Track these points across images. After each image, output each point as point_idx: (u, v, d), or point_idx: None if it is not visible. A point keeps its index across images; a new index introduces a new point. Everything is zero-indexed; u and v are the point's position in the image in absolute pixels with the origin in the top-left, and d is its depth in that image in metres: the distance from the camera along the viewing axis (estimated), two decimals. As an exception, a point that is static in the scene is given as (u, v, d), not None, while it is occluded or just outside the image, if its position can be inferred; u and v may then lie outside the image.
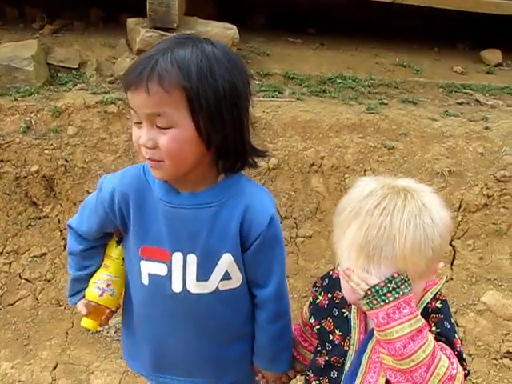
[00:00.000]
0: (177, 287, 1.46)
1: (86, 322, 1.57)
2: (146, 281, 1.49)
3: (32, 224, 3.24)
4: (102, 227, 1.53)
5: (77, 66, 3.75)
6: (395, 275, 1.19)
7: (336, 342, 1.42)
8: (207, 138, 1.31)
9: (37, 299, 3.04)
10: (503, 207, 3.19)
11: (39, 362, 2.72)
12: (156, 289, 1.48)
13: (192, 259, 1.43)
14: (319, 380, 1.45)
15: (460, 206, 3.19)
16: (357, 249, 1.22)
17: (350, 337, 1.38)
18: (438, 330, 1.28)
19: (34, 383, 2.62)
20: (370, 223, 1.20)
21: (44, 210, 3.27)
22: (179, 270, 1.44)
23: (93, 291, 1.55)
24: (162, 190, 1.42)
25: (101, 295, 1.54)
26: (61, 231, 3.23)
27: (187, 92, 1.25)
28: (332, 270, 1.51)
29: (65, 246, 3.20)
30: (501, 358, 2.71)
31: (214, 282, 1.45)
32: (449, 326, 1.31)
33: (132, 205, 1.43)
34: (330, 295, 1.47)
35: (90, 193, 3.15)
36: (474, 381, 2.59)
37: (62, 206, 3.28)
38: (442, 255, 1.30)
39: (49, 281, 3.11)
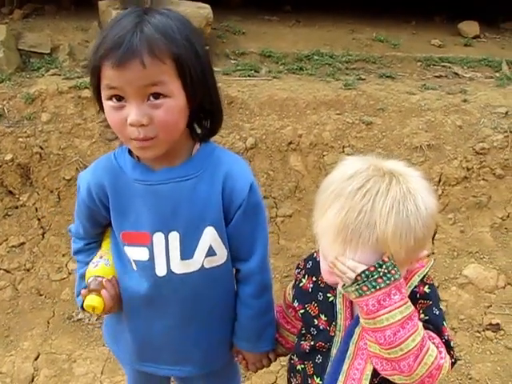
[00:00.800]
0: (161, 270, 1.43)
1: (89, 300, 1.45)
2: (134, 266, 1.46)
3: (9, 213, 3.20)
4: (95, 223, 1.51)
5: (49, 51, 3.69)
6: (385, 259, 1.16)
7: (321, 327, 1.39)
8: (193, 104, 1.31)
9: (16, 289, 3.00)
10: (483, 179, 3.19)
11: (20, 353, 2.69)
12: (142, 274, 1.45)
13: (174, 237, 1.40)
14: (304, 364, 1.43)
15: (440, 180, 3.19)
16: (334, 232, 1.18)
17: (336, 322, 1.35)
18: (426, 318, 1.25)
19: (15, 374, 2.58)
20: (350, 206, 1.16)
21: (21, 198, 3.23)
22: (161, 252, 1.41)
23: (89, 268, 1.51)
24: (136, 171, 1.39)
25: (95, 266, 1.50)
26: (38, 220, 3.20)
27: (176, 59, 1.24)
28: (316, 251, 1.47)
29: (43, 234, 3.17)
30: (483, 331, 2.72)
31: (198, 259, 1.42)
32: (437, 313, 1.28)
33: (109, 193, 1.41)
34: (314, 278, 1.43)
35: (66, 180, 3.19)
36: (458, 354, 2.58)
37: (38, 194, 3.24)
38: (425, 245, 1.25)
39: (28, 270, 3.08)
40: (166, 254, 1.42)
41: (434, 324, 1.25)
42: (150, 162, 1.39)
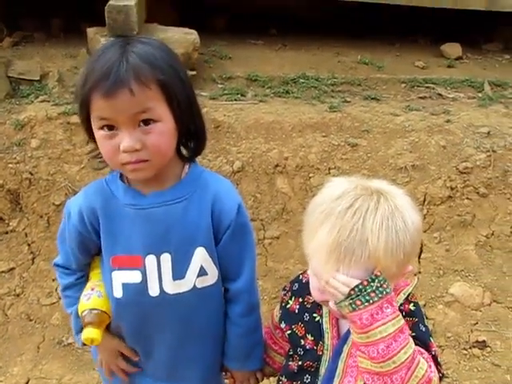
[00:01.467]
0: (154, 291, 1.45)
1: (86, 333, 1.46)
2: (119, 293, 1.48)
3: (-1, 239, 3.21)
4: (86, 251, 1.53)
5: (38, 78, 3.71)
6: (378, 273, 1.19)
7: (308, 347, 1.41)
8: (181, 127, 1.36)
9: (6, 315, 3.01)
10: (467, 198, 3.23)
11: (10, 379, 2.69)
12: (132, 298, 1.47)
13: (166, 258, 1.43)
14: None
15: (425, 200, 3.23)
16: (327, 251, 1.20)
17: (323, 342, 1.37)
18: (413, 334, 1.27)
19: (6, 400, 2.59)
20: (341, 225, 1.19)
21: (10, 224, 3.25)
22: (154, 273, 1.44)
23: (80, 302, 1.52)
24: (127, 196, 1.43)
25: (88, 299, 1.51)
26: (28, 245, 3.21)
27: (162, 85, 1.29)
28: (302, 273, 1.50)
29: (33, 259, 3.18)
30: (470, 348, 2.75)
31: (190, 279, 1.45)
32: (424, 330, 1.31)
33: (100, 216, 1.44)
34: (300, 299, 1.46)
35: (55, 205, 3.21)
36: (445, 371, 2.60)
37: (28, 219, 3.25)
38: (411, 259, 1.30)
39: (18, 295, 3.08)
40: (158, 276, 1.44)
41: (421, 340, 1.28)
42: (140, 187, 1.42)
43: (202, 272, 1.46)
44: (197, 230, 1.43)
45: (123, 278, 1.47)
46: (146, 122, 1.29)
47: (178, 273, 1.45)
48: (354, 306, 1.18)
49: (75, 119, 3.31)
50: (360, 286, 1.18)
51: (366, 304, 1.17)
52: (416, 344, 1.24)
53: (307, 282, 1.39)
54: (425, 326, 1.33)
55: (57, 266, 1.61)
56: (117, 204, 1.43)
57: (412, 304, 1.35)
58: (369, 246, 1.18)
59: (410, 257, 1.25)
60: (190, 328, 1.53)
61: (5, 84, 3.61)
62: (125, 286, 1.47)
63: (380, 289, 1.18)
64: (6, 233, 3.24)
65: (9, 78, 3.68)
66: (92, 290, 1.53)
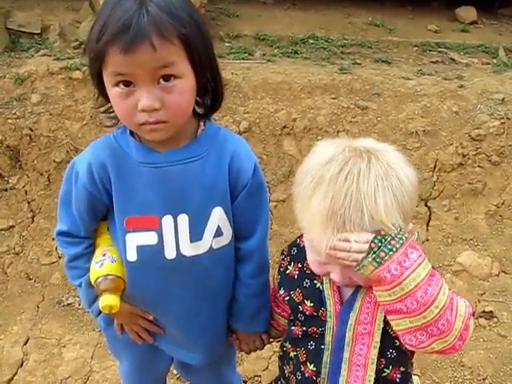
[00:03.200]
0: (170, 253, 1.39)
1: (104, 300, 1.38)
2: (133, 256, 1.40)
3: (-2, 196, 3.15)
4: (95, 214, 1.45)
5: (39, 31, 3.63)
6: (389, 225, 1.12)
7: (307, 313, 1.36)
8: (201, 83, 1.28)
9: (5, 273, 2.96)
10: (478, 166, 3.17)
11: (10, 338, 2.65)
12: (147, 261, 1.40)
13: (183, 219, 1.37)
14: (296, 351, 1.41)
15: (435, 166, 3.16)
16: (323, 220, 1.13)
17: (326, 308, 1.32)
18: None
19: (5, 359, 2.55)
20: (334, 191, 1.12)
21: (10, 181, 3.19)
22: (171, 235, 1.38)
23: (93, 269, 1.44)
24: (140, 153, 1.34)
25: (101, 266, 1.43)
26: (28, 203, 3.15)
27: (184, 39, 1.19)
28: (299, 237, 1.44)
29: (33, 217, 3.12)
30: (476, 318, 2.70)
31: (207, 241, 1.40)
32: None
33: (111, 174, 1.35)
34: (299, 265, 1.40)
35: (56, 162, 3.14)
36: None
37: (28, 176, 3.19)
38: (411, 217, 1.23)
39: (17, 254, 3.04)
40: (175, 237, 1.38)
41: None
42: (153, 144, 1.34)
43: (219, 232, 1.41)
44: (214, 190, 1.38)
45: (138, 240, 1.39)
46: (167, 78, 1.20)
47: (196, 234, 1.39)
48: (378, 259, 1.11)
49: (78, 74, 3.23)
50: (379, 237, 1.12)
51: (391, 253, 1.11)
52: None
53: (304, 247, 1.33)
54: None
55: (61, 234, 1.49)
56: (129, 162, 1.35)
57: None
58: (367, 210, 1.11)
59: (409, 215, 1.18)
60: (204, 291, 1.48)
61: (4, 36, 3.51)
62: (140, 248, 1.39)
63: (399, 236, 1.12)
64: (6, 190, 3.18)
65: (8, 30, 3.58)
66: (104, 255, 1.45)
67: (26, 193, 3.16)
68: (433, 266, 1.18)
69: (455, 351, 1.18)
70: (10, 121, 3.13)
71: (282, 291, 1.43)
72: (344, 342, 1.28)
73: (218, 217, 1.39)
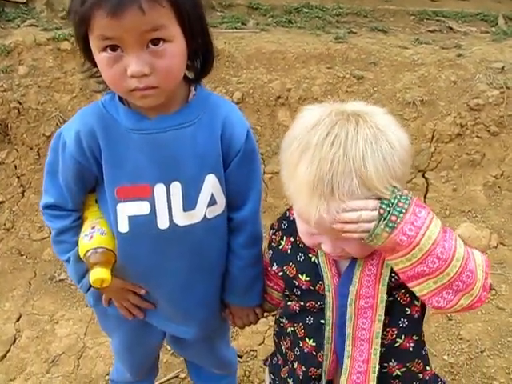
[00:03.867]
0: (163, 223, 1.35)
1: (94, 274, 1.33)
2: (124, 228, 1.36)
3: (-14, 171, 3.09)
4: (83, 184, 1.40)
5: (25, 1, 3.53)
6: (388, 187, 1.08)
7: (303, 287, 1.32)
8: (191, 47, 1.23)
9: (-4, 249, 2.92)
10: (477, 137, 3.12)
11: (2, 314, 2.61)
12: (139, 231, 1.36)
13: (176, 188, 1.33)
14: (293, 327, 1.37)
15: (433, 137, 3.12)
16: (309, 187, 1.08)
17: (323, 282, 1.28)
18: None
19: (-3, 336, 2.52)
20: (320, 157, 1.07)
21: (-1, 156, 3.12)
22: (163, 204, 1.33)
23: (82, 242, 1.40)
24: (130, 120, 1.30)
25: (90, 239, 1.38)
26: (18, 177, 3.10)
27: (173, 1, 1.15)
28: (288, 210, 1.38)
29: (23, 192, 3.07)
30: (475, 290, 2.68)
31: (201, 210, 1.36)
32: None
33: (101, 142, 1.30)
34: (292, 239, 1.34)
35: (46, 136, 3.07)
36: (448, 314, 2.55)
37: (17, 151, 3.14)
38: (405, 183, 1.18)
39: (8, 230, 3.00)
40: (168, 206, 1.34)
41: None
42: (144, 110, 1.29)
43: (212, 201, 1.37)
44: (207, 156, 1.34)
45: (130, 210, 1.34)
46: (156, 42, 1.16)
47: (189, 203, 1.35)
48: (391, 224, 1.06)
49: (66, 45, 3.17)
50: (386, 202, 1.07)
51: (402, 215, 1.05)
52: None
53: (295, 219, 1.28)
54: None
55: (47, 207, 1.44)
56: (119, 128, 1.30)
57: None
58: (357, 176, 1.06)
59: (401, 180, 1.13)
60: (199, 262, 1.45)
61: (-11, 6, 3.41)
62: (131, 219, 1.35)
63: (403, 196, 1.07)
64: (-5, 165, 3.11)
65: (-7, 0, 3.48)
66: (93, 228, 1.40)
67: (15, 167, 3.11)
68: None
69: (481, 303, 1.14)
70: (-3, 94, 3.06)
71: (274, 267, 1.38)
72: (345, 318, 1.25)
73: (211, 184, 1.35)
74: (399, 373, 1.29)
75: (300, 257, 1.32)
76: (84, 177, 1.37)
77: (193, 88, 1.35)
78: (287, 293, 1.39)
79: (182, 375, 2.27)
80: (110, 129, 1.30)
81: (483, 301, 1.14)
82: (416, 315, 1.24)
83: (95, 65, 1.23)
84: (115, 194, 1.33)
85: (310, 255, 1.30)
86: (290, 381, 1.42)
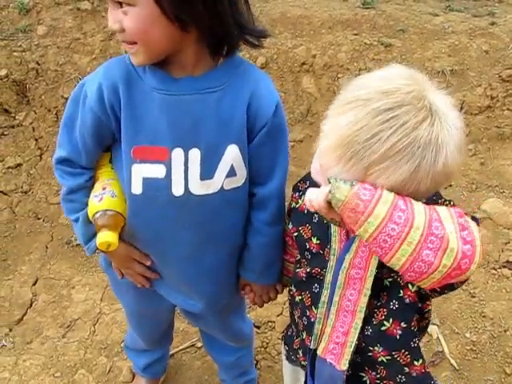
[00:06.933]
0: (178, 190, 1.31)
1: (102, 237, 1.32)
2: (138, 189, 1.32)
3: (5, 133, 3.05)
4: (100, 141, 1.35)
5: (45, -41, 3.42)
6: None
7: (313, 251, 1.28)
8: (176, 19, 1.16)
9: (14, 212, 2.89)
10: (508, 109, 3.03)
11: (18, 278, 2.60)
12: (153, 195, 1.32)
13: (195, 154, 1.28)
14: (301, 295, 1.34)
15: (461, 108, 3.01)
16: (337, 141, 1.02)
17: (331, 246, 1.23)
18: None
19: (13, 299, 2.50)
20: (366, 124, 0.99)
21: (17, 117, 3.09)
22: (180, 170, 1.29)
23: (91, 203, 1.36)
24: (155, 78, 1.26)
25: (100, 200, 1.34)
26: (36, 140, 3.06)
27: None
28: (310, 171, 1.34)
29: (41, 155, 3.03)
30: (499, 268, 2.60)
31: (219, 180, 1.32)
32: None
33: (122, 98, 1.26)
34: None
35: (64, 98, 3.01)
36: (472, 291, 2.48)
37: (35, 113, 3.09)
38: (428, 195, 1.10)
39: (25, 193, 2.96)
40: (184, 173, 1.29)
41: None
42: (170, 70, 1.25)
43: (231, 172, 1.32)
44: (231, 125, 1.28)
45: (145, 171, 1.30)
46: (120, 2, 1.17)
47: (207, 172, 1.30)
48: (348, 182, 1.01)
49: (86, 5, 3.11)
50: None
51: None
52: None
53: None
54: None
55: (60, 162, 1.39)
56: (142, 86, 1.26)
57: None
58: (373, 161, 0.99)
59: (423, 194, 1.04)
60: (211, 234, 1.40)
61: (7, -37, 3.32)
62: (146, 181, 1.31)
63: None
64: (13, 127, 3.07)
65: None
66: (103, 189, 1.36)
67: (33, 129, 3.06)
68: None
69: (471, 259, 0.99)
70: (15, 54, 3.01)
71: (290, 226, 1.35)
72: (336, 285, 1.21)
73: (232, 155, 1.30)
74: (384, 359, 1.24)
75: (315, 218, 1.28)
76: (101, 133, 1.32)
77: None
78: (298, 257, 1.36)
79: (199, 344, 2.24)
80: (133, 85, 1.26)
81: (471, 256, 0.99)
82: (407, 300, 1.17)
83: None
84: (131, 154, 1.29)
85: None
86: (300, 352, 1.40)
